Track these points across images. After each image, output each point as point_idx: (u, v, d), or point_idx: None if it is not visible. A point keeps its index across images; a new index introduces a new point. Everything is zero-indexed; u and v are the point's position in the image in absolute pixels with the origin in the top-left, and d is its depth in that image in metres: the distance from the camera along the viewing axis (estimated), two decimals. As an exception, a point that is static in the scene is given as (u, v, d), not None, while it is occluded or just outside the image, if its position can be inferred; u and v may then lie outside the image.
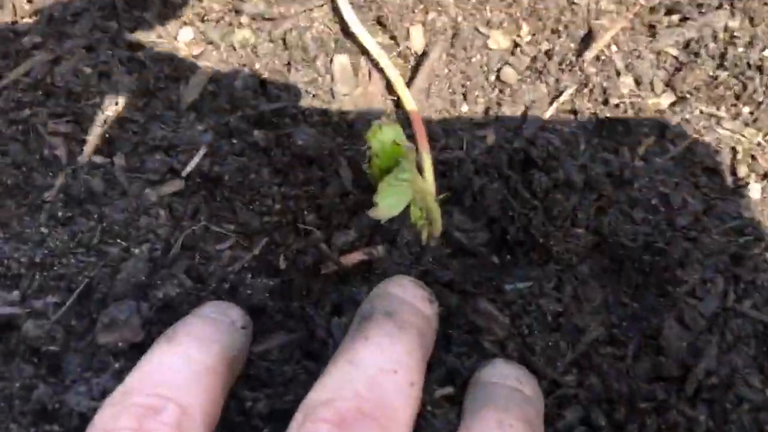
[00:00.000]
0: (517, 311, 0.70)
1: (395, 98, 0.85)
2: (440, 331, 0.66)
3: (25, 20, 0.82)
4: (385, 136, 0.70)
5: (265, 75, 0.82)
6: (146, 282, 0.64)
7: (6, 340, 0.62)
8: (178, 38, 0.85)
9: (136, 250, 0.66)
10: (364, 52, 0.86)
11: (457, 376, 0.64)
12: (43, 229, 0.71)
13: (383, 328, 0.59)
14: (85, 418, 0.55)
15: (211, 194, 0.77)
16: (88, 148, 0.77)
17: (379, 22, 0.89)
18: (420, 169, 0.74)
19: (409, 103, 0.80)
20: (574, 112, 0.89)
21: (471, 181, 0.81)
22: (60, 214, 0.73)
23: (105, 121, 0.77)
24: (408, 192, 0.73)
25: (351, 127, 0.83)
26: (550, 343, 0.68)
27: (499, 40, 0.95)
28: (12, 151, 0.73)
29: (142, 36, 0.84)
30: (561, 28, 0.95)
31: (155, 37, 0.84)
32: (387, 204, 0.71)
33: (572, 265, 0.74)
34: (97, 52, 0.80)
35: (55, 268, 0.68)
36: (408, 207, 0.74)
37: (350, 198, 0.79)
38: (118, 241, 0.71)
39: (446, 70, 0.90)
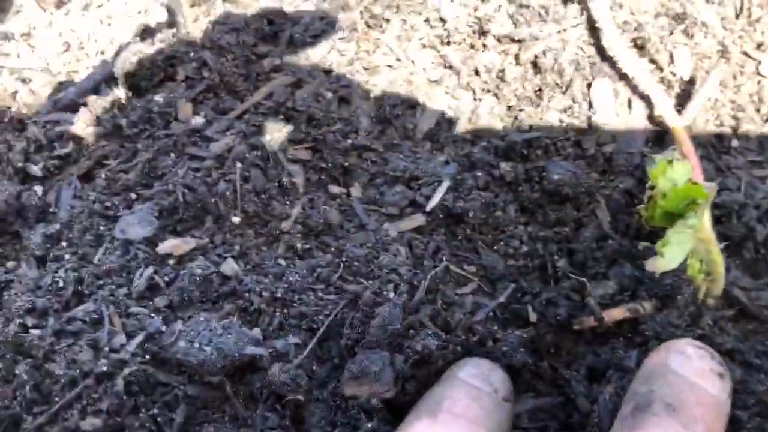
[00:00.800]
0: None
1: (659, 129, 0.74)
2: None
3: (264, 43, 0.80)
4: (676, 173, 0.59)
5: (513, 102, 0.74)
6: (400, 331, 0.57)
7: (248, 383, 0.58)
8: (416, 62, 0.79)
9: (391, 294, 0.60)
10: (623, 77, 0.75)
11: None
12: (281, 261, 0.67)
13: (666, 428, 0.49)
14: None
15: (452, 232, 0.70)
16: (324, 177, 0.72)
17: (636, 44, 0.78)
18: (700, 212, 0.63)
19: (683, 136, 0.69)
20: None
21: (753, 230, 0.69)
22: (298, 245, 0.68)
23: (345, 149, 0.72)
24: (690, 241, 0.62)
25: (608, 162, 0.73)
26: None
27: (773, 66, 0.81)
28: (253, 177, 0.70)
29: (378, 59, 0.79)
30: None
31: (393, 60, 0.79)
32: (671, 255, 0.60)
33: None
34: (336, 75, 0.76)
35: (294, 304, 0.63)
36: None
37: (609, 243, 0.69)
38: (358, 279, 0.65)
39: (714, 100, 0.78)
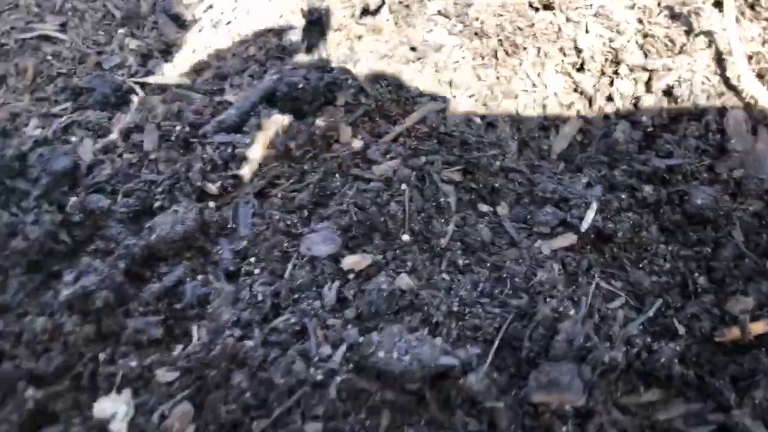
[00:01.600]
0: None
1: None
2: None
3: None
4: None
5: (650, 128, 0.80)
6: (585, 344, 0.63)
7: (441, 389, 0.63)
8: (548, 87, 0.85)
9: (571, 311, 0.65)
10: (747, 106, 0.81)
11: None
12: (445, 276, 0.73)
13: None
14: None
15: (599, 250, 0.76)
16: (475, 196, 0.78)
17: (759, 74, 0.84)
18: None
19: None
20: None
21: None
22: (459, 261, 0.74)
23: (494, 171, 0.78)
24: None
25: (738, 186, 0.78)
26: None
27: None
28: (414, 197, 0.75)
29: (516, 84, 0.84)
30: None
31: (530, 86, 0.84)
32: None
33: None
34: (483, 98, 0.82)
35: (467, 317, 0.69)
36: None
37: (746, 262, 0.75)
38: (519, 293, 0.71)
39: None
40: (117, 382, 0.64)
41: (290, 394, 0.61)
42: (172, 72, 0.97)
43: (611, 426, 0.63)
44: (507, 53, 0.85)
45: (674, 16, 0.87)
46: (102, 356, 0.67)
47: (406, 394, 0.63)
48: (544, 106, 0.84)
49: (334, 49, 0.89)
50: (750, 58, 0.83)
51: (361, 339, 0.65)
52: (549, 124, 0.85)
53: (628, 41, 0.83)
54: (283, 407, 0.61)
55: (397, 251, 0.73)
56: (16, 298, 0.74)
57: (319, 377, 0.62)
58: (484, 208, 0.79)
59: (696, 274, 0.75)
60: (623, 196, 0.77)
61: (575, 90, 0.85)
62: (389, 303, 0.68)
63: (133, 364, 0.65)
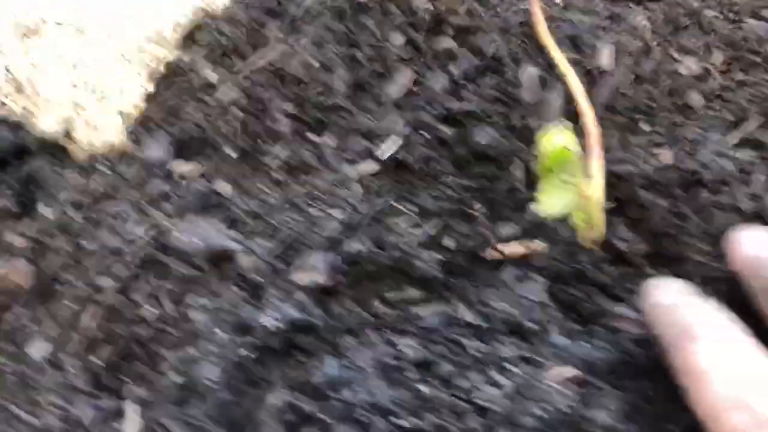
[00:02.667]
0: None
1: (576, 111, 0.92)
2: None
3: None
4: (555, 138, 0.78)
5: (462, 80, 0.93)
6: (338, 238, 0.78)
7: (224, 268, 0.79)
8: (392, 42, 0.99)
9: (333, 212, 0.81)
10: (552, 66, 0.93)
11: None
12: (262, 187, 0.88)
13: None
14: (269, 333, 0.70)
15: (399, 178, 0.90)
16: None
17: (572, 41, 0.96)
18: (588, 176, 0.81)
19: (587, 113, 0.87)
20: (759, 144, 0.90)
21: (638, 194, 0.86)
22: (279, 177, 0.89)
23: (324, 107, 0.93)
24: (571, 196, 0.81)
25: (531, 131, 0.91)
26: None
27: (690, 66, 0.98)
28: (250, 122, 0.91)
29: (361, 38, 0.98)
30: (758, 60, 0.96)
31: (373, 40, 0.99)
32: (549, 202, 0.79)
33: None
34: (324, 49, 0.96)
35: (266, 218, 0.84)
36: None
37: (518, 194, 0.88)
38: (321, 205, 0.86)
39: (632, 90, 0.95)
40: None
41: (103, 259, 0.79)
42: None
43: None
44: (356, 11, 1.00)
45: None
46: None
47: (193, 267, 0.80)
48: (384, 58, 0.98)
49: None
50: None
51: (166, 223, 0.82)
52: (388, 74, 0.99)
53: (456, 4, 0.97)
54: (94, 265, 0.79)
55: (224, 163, 0.89)
56: None
57: (128, 249, 0.79)
58: (312, 137, 0.94)
59: (475, 202, 0.88)
60: (426, 134, 0.91)
61: (412, 46, 0.99)
62: (202, 201, 0.85)
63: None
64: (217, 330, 0.74)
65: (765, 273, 0.71)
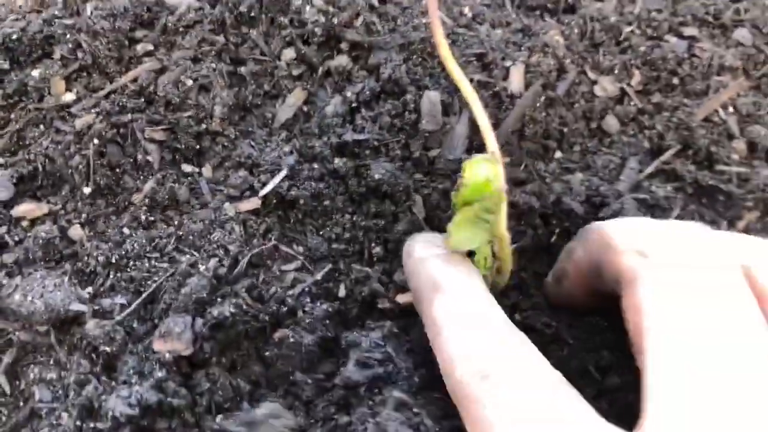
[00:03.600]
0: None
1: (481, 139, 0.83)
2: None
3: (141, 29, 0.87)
4: (479, 170, 0.68)
5: (355, 104, 0.83)
6: (206, 299, 0.67)
7: (72, 334, 0.67)
8: (281, 57, 0.88)
9: (201, 267, 0.69)
10: (457, 90, 0.84)
11: None
12: (125, 230, 0.76)
13: None
14: (119, 422, 0.59)
15: (284, 216, 0.79)
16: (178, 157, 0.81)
17: (480, 59, 0.87)
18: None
19: (492, 145, 0.78)
20: (674, 173, 0.84)
21: (537, 227, 0.79)
22: (143, 217, 0.77)
23: (198, 133, 0.81)
24: (485, 234, 0.72)
25: (432, 164, 0.82)
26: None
27: (606, 87, 0.91)
28: (109, 152, 0.78)
29: (244, 52, 0.87)
30: (676, 81, 0.89)
31: (258, 54, 0.87)
32: (459, 236, 0.69)
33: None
34: (201, 64, 0.84)
35: (127, 270, 0.72)
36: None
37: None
38: (192, 251, 0.74)
39: (544, 114, 0.87)
40: None
41: None
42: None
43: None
44: (238, 21, 0.88)
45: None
46: None
47: (37, 334, 0.67)
48: (271, 76, 0.87)
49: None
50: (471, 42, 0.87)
51: (5, 281, 0.69)
52: (276, 93, 0.87)
53: (354, 18, 0.86)
54: None
55: (79, 203, 0.76)
56: None
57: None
58: (187, 168, 0.82)
59: (373, 244, 0.78)
60: (315, 166, 0.80)
61: (303, 62, 0.88)
62: (48, 251, 0.72)
63: None
64: (63, 414, 0.63)
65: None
